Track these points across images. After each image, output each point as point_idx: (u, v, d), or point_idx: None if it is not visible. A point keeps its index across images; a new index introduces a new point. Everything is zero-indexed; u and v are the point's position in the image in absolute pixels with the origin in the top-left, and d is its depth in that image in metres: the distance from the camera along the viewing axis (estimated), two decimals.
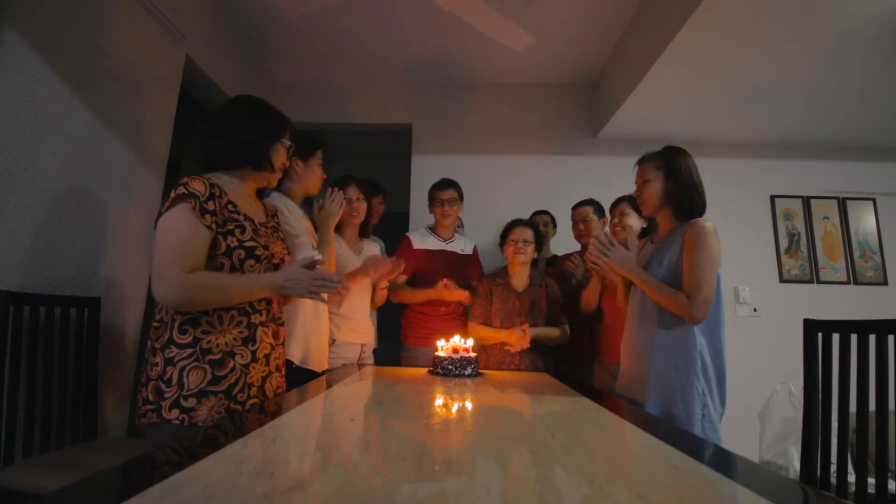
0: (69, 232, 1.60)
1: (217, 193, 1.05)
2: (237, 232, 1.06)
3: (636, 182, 1.50)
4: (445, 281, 2.01)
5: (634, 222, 1.88)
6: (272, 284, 1.08)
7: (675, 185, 1.40)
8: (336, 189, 1.69)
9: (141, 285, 1.97)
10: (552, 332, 1.99)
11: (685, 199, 1.39)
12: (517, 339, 1.86)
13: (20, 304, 1.35)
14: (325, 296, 1.18)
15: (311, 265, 1.14)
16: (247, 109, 1.18)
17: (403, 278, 2.16)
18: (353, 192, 1.91)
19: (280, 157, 1.20)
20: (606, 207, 2.13)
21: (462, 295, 2.04)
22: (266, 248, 1.11)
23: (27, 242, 1.45)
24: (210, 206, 1.02)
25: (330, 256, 1.64)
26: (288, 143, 1.22)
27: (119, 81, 1.83)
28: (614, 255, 1.40)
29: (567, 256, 2.38)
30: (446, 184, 2.26)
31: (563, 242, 2.69)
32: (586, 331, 2.04)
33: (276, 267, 1.14)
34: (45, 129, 1.51)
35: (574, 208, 2.30)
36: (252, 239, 1.08)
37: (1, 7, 1.35)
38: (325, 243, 1.64)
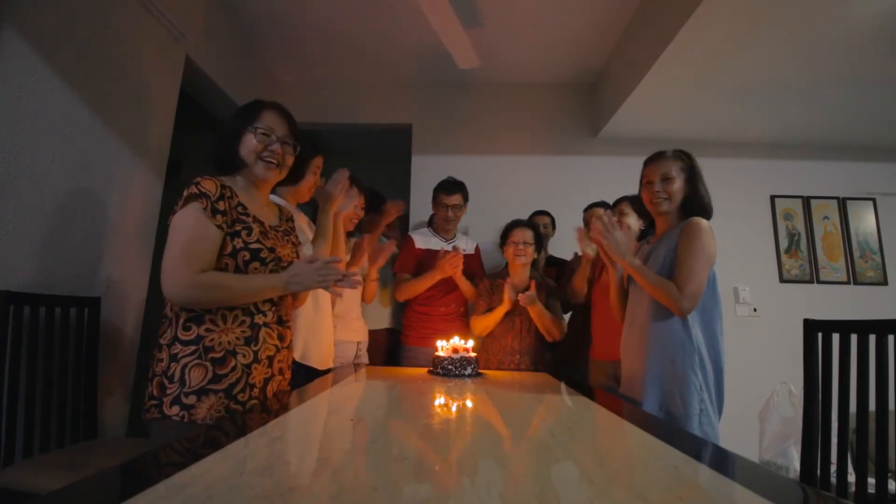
0: (69, 232, 1.60)
1: (228, 194, 1.06)
2: (244, 234, 1.07)
3: (651, 177, 1.43)
4: (443, 250, 2.02)
5: (633, 223, 1.88)
6: (279, 282, 1.08)
7: (693, 189, 1.41)
8: (344, 170, 1.50)
9: (141, 285, 1.97)
10: (551, 316, 1.96)
11: (697, 203, 1.40)
12: (522, 296, 1.87)
13: (20, 304, 1.35)
14: (339, 290, 1.14)
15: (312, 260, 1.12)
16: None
17: (406, 276, 2.16)
18: (360, 201, 1.90)
19: (249, 144, 1.11)
20: None
21: (457, 273, 2.04)
22: (272, 250, 1.11)
23: (27, 242, 1.45)
24: (221, 206, 1.03)
25: (333, 249, 1.50)
26: (262, 128, 1.11)
27: (119, 81, 1.83)
28: (611, 238, 1.39)
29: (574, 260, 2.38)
30: (452, 188, 2.21)
31: (561, 244, 2.68)
32: (586, 332, 2.04)
33: (285, 269, 1.14)
34: (45, 129, 1.51)
35: (586, 210, 2.29)
36: (258, 241, 1.09)
37: (1, 7, 1.35)
38: (321, 232, 1.46)
